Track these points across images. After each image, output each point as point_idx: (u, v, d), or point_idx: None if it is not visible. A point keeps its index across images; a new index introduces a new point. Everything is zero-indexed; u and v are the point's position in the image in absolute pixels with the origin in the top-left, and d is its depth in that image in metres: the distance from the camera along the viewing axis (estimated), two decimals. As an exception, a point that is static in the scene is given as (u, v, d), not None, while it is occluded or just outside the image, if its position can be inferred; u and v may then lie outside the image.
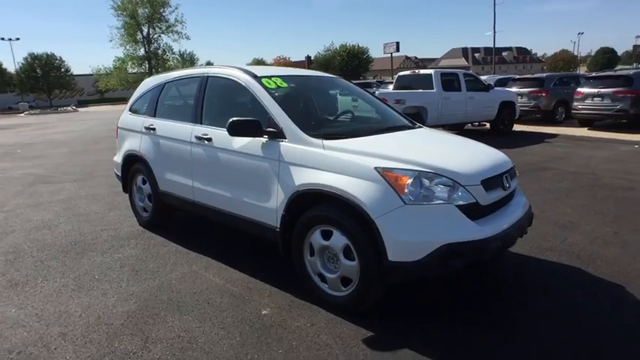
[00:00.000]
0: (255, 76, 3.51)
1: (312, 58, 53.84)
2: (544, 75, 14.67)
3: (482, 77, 14.10)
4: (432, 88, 10.53)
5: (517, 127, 12.38)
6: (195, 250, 3.97)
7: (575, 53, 63.42)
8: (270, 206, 3.12)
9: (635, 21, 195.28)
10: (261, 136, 3.15)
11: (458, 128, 11.74)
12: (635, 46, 55.64)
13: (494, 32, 38.39)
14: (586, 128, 12.06)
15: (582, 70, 58.03)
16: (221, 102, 3.90)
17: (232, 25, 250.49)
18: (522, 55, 68.09)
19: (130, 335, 2.63)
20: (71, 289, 3.28)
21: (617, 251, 3.79)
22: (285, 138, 3.06)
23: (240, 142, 3.32)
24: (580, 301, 2.97)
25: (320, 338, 2.57)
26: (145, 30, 46.10)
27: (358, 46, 59.68)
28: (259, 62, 65.91)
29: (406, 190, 2.53)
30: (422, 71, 11.42)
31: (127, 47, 45.83)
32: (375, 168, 2.61)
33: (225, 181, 3.51)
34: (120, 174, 4.86)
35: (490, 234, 2.61)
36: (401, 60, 66.88)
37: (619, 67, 58.77)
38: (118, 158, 4.88)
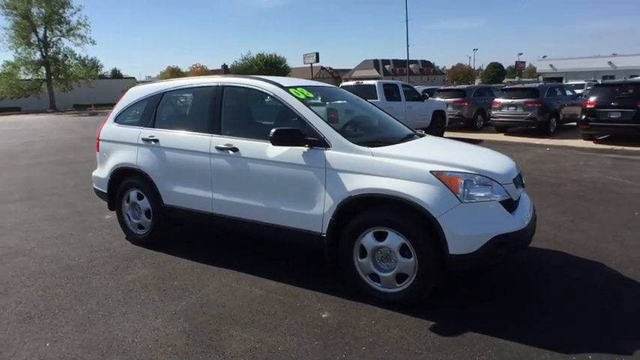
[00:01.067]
0: (282, 87, 3.58)
1: (228, 67, 53.05)
2: (465, 86, 16.39)
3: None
4: (377, 98, 11.16)
5: (446, 134, 13.60)
6: (212, 263, 3.86)
7: (472, 67, 71.49)
8: (315, 213, 3.21)
9: (518, 40, 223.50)
10: (303, 145, 3.23)
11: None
12: (517, 62, 63.51)
13: (408, 46, 41.79)
14: (502, 134, 13.66)
15: (477, 82, 65.00)
16: (243, 112, 3.88)
17: (143, 31, 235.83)
18: (427, 67, 74.26)
19: (204, 353, 2.55)
20: (101, 314, 3.03)
21: (582, 236, 4.50)
22: (330, 146, 3.18)
23: (276, 152, 3.36)
24: (570, 273, 3.58)
25: (391, 332, 2.74)
26: (42, 32, 41.68)
27: (275, 55, 60.16)
28: (175, 71, 63.20)
29: (460, 190, 2.82)
30: (365, 82, 12.05)
31: (19, 50, 41.06)
32: (431, 172, 2.87)
33: (256, 191, 3.51)
34: (105, 190, 4.52)
35: (525, 224, 3.01)
36: (317, 70, 68.80)
37: (506, 80, 66.89)
38: (103, 173, 4.53)
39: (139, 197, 4.31)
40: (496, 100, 13.71)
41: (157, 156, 4.08)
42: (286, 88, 3.57)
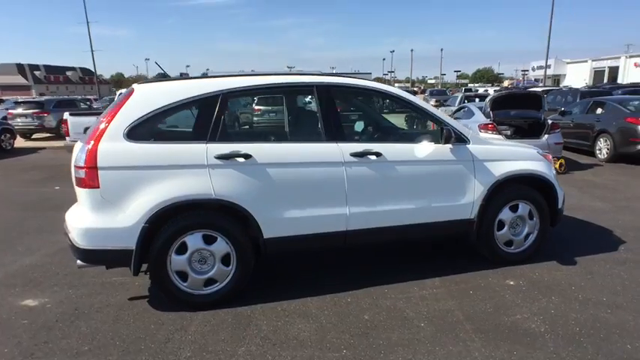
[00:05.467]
0: (399, 90, 3.59)
1: None
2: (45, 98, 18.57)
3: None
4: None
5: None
6: (322, 292, 3.37)
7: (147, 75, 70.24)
8: (466, 202, 3.57)
9: (168, 51, 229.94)
10: (464, 142, 3.54)
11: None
12: (180, 74, 67.14)
13: (92, 52, 36.72)
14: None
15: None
16: (366, 114, 3.48)
17: None
18: (88, 75, 66.46)
19: None
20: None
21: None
22: (469, 141, 3.60)
23: (423, 152, 3.45)
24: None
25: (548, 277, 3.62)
26: None
27: None
28: None
29: (552, 164, 3.98)
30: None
31: None
32: (538, 152, 3.88)
33: (403, 194, 3.43)
34: (131, 246, 2.90)
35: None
36: None
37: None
38: (123, 220, 2.89)
39: (208, 241, 3.06)
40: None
41: (252, 177, 3.07)
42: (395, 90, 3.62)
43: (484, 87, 38.48)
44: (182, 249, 3.03)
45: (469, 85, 55.46)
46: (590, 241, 4.36)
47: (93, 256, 2.95)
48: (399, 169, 3.41)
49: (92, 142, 2.90)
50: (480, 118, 8.67)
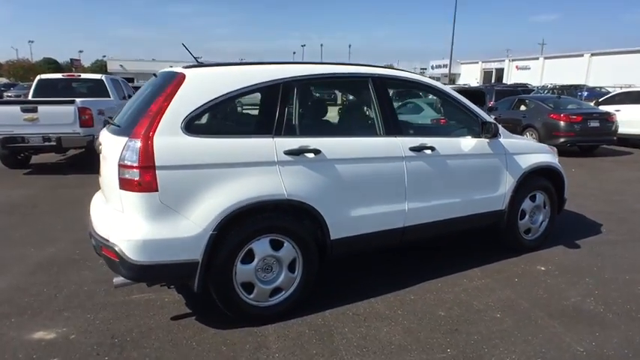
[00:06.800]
0: (440, 84, 3.58)
1: None
2: None
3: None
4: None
5: None
6: (400, 286, 3.29)
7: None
8: (500, 193, 3.73)
9: (77, 37, 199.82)
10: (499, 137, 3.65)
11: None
12: (72, 59, 60.22)
13: None
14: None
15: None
16: (415, 107, 3.37)
17: None
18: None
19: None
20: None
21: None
22: (500, 135, 3.74)
23: (468, 146, 3.53)
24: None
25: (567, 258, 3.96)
26: None
27: None
28: None
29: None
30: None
31: None
32: (549, 145, 4.19)
33: (452, 188, 3.46)
34: (197, 257, 2.50)
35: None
36: None
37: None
38: (188, 228, 2.48)
39: (275, 247, 2.76)
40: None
41: (321, 174, 2.83)
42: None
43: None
44: (248, 257, 2.69)
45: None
46: (568, 226, 4.81)
47: (149, 273, 2.47)
48: (449, 162, 3.42)
49: (142, 136, 2.41)
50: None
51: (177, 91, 2.55)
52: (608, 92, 27.63)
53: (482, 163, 3.63)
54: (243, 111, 3.15)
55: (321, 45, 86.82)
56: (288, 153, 2.72)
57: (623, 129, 10.43)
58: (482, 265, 3.72)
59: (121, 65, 50.55)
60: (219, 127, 2.77)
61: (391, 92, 3.74)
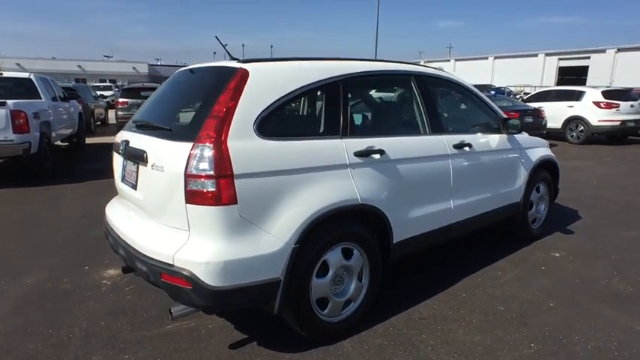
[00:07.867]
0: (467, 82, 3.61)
1: None
2: None
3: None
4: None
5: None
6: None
7: None
8: (517, 186, 3.88)
9: None
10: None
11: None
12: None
13: None
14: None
15: None
16: (448, 105, 3.33)
17: None
18: None
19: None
20: None
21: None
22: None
23: (496, 142, 3.61)
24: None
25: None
26: None
27: None
28: None
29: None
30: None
31: None
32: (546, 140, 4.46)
33: (485, 183, 3.52)
34: (279, 275, 2.22)
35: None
36: None
37: None
38: (269, 243, 2.18)
39: (346, 256, 2.56)
40: (120, 100, 12.86)
41: (386, 175, 2.68)
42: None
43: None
44: (322, 270, 2.45)
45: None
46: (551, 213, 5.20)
47: (229, 299, 2.12)
48: (483, 159, 3.47)
49: (214, 141, 2.07)
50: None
51: (243, 89, 2.23)
52: (511, 92, 30.69)
53: (506, 158, 3.74)
54: (306, 111, 2.87)
55: (243, 45, 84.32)
56: (358, 155, 2.53)
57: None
58: (506, 257, 3.84)
59: (18, 64, 44.89)
60: (288, 129, 2.48)
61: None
